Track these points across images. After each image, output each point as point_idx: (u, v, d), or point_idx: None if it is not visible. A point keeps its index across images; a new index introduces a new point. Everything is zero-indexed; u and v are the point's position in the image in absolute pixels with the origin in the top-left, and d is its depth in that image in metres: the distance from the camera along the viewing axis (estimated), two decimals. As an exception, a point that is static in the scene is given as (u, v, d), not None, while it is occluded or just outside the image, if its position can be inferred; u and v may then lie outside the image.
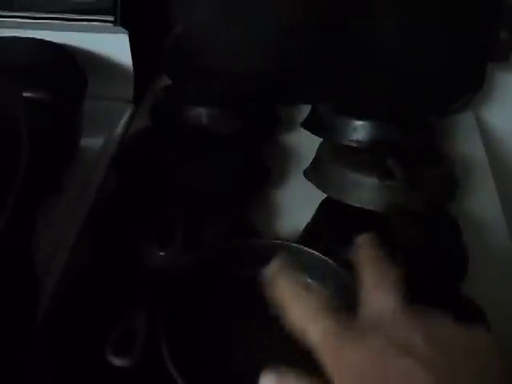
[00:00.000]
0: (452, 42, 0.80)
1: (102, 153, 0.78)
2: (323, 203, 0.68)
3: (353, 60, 0.82)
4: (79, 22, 0.80)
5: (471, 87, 0.83)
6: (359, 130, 0.72)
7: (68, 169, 0.73)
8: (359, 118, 0.72)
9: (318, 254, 0.57)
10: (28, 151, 0.47)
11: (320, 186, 0.69)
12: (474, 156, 0.80)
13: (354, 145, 0.72)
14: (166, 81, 0.87)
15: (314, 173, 0.72)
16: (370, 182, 0.66)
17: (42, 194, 0.67)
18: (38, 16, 0.80)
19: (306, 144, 0.77)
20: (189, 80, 0.83)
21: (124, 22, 0.80)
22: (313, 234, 0.65)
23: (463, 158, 0.77)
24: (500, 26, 0.78)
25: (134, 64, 0.83)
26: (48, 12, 0.80)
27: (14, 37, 0.80)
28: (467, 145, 0.81)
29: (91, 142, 0.78)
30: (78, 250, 0.63)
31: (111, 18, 0.79)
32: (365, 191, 0.66)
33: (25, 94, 0.76)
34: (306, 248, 0.58)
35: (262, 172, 0.73)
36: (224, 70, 0.83)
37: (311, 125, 0.77)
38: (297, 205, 0.71)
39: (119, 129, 0.82)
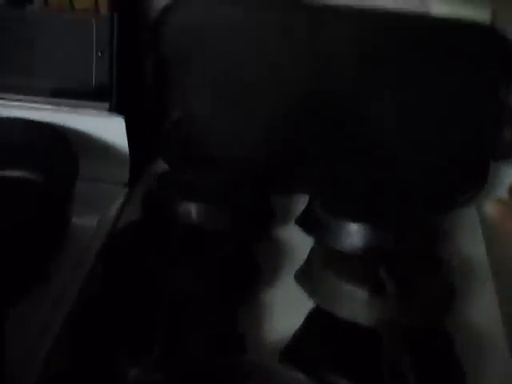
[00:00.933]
0: (454, 138, 0.79)
1: (93, 236, 0.76)
2: (313, 312, 0.66)
3: (350, 152, 0.80)
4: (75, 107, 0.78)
5: (473, 185, 0.81)
6: (353, 235, 0.70)
7: (56, 255, 0.71)
8: (353, 221, 0.70)
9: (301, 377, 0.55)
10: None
11: (310, 293, 0.68)
12: (474, 258, 0.77)
13: (347, 250, 0.69)
14: (163, 165, 0.85)
15: (305, 278, 0.70)
16: (360, 294, 0.64)
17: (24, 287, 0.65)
18: (33, 99, 0.79)
19: (300, 241, 0.75)
20: (183, 169, 0.82)
21: (120, 107, 0.79)
22: (298, 348, 0.62)
23: (462, 260, 0.75)
24: (504, 125, 0.75)
25: (130, 148, 0.82)
26: (45, 95, 0.78)
27: (8, 117, 0.80)
28: (467, 245, 0.78)
29: (84, 223, 0.77)
30: (53, 356, 0.61)
31: (106, 105, 0.77)
32: (355, 304, 0.64)
33: (15, 174, 0.77)
34: (288, 371, 0.55)
35: (254, 271, 0.71)
36: (220, 158, 0.82)
37: (305, 223, 0.75)
38: (288, 306, 0.68)
39: (112, 212, 0.80)
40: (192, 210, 0.72)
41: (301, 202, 0.81)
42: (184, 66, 0.80)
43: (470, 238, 0.80)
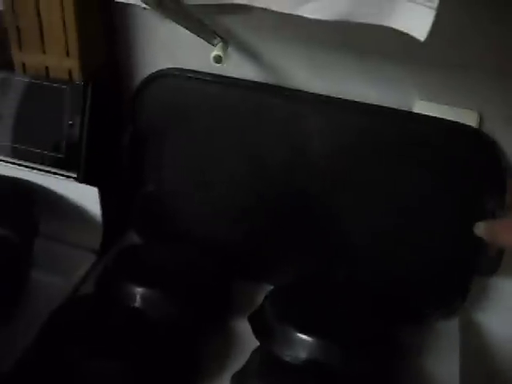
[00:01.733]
0: (433, 246, 0.72)
1: (50, 299, 0.74)
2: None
3: (321, 249, 0.75)
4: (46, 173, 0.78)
5: (450, 299, 0.73)
6: (296, 345, 0.65)
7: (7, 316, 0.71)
8: (298, 329, 0.65)
9: None
10: None
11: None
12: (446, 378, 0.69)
13: (287, 359, 0.64)
14: (134, 237, 0.84)
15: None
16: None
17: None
18: (5, 160, 0.80)
19: (249, 340, 0.70)
20: (145, 246, 0.79)
21: (93, 176, 0.77)
22: None
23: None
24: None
25: (103, 216, 0.81)
26: (17, 157, 0.79)
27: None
28: (439, 365, 0.71)
29: (47, 283, 0.77)
30: None
31: (74, 175, 0.76)
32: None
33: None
34: None
35: (191, 372, 0.67)
36: (190, 236, 0.78)
37: (254, 323, 0.70)
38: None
39: (77, 277, 0.79)
40: (137, 294, 0.69)
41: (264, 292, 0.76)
42: (161, 140, 0.77)
43: (444, 355, 0.72)
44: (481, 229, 0.62)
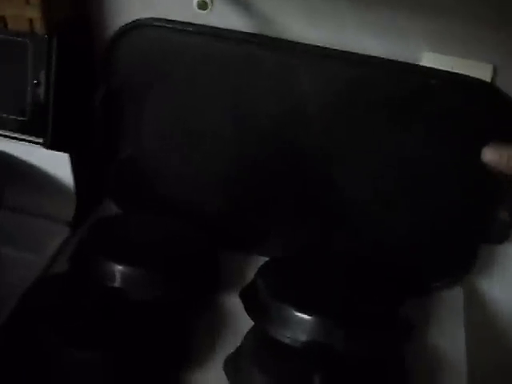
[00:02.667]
0: (439, 213, 0.66)
1: (21, 278, 0.67)
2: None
3: (316, 219, 0.69)
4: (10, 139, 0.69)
5: (459, 267, 0.67)
6: (296, 325, 0.59)
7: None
8: (297, 308, 0.59)
9: None
10: None
11: (232, 384, 0.57)
12: (451, 359, 0.65)
13: (286, 341, 0.58)
14: (111, 207, 0.76)
15: (233, 368, 0.60)
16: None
17: None
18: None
19: (241, 319, 0.64)
20: (122, 216, 0.72)
21: (60, 143, 0.69)
22: None
23: (436, 361, 0.64)
24: (499, 206, 0.62)
25: (76, 186, 0.73)
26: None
27: None
28: (445, 338, 0.65)
29: (17, 258, 0.70)
30: None
31: (41, 140, 0.68)
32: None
33: None
34: None
35: (179, 355, 0.61)
36: (171, 202, 0.71)
37: (247, 300, 0.64)
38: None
39: (49, 252, 0.72)
40: (116, 272, 0.62)
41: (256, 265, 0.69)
42: (138, 99, 0.69)
43: (449, 328, 0.67)
44: (488, 154, 0.56)
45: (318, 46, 0.64)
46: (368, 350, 0.59)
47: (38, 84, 0.67)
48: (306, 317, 0.59)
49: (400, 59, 0.63)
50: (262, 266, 0.66)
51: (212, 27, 0.65)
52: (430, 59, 0.63)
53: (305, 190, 0.69)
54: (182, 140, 0.71)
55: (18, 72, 0.67)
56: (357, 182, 0.67)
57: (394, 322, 0.62)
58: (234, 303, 0.67)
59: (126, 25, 0.67)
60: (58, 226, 0.76)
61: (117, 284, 0.63)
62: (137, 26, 0.66)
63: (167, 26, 0.66)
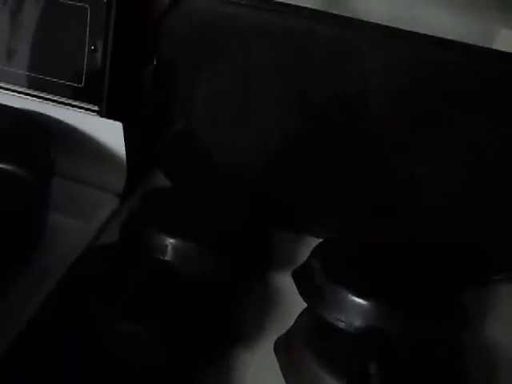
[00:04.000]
0: (506, 204, 0.62)
1: (70, 246, 0.67)
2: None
3: (376, 201, 0.66)
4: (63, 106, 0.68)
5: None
6: (351, 309, 0.57)
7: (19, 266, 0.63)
8: (356, 293, 0.57)
9: None
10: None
11: (283, 371, 0.57)
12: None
13: (341, 326, 0.56)
14: (162, 178, 0.75)
15: (283, 351, 0.58)
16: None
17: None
18: (19, 90, 0.70)
19: (292, 300, 0.62)
20: (175, 189, 0.71)
21: (114, 111, 0.68)
22: None
23: (493, 348, 0.62)
24: None
25: (127, 156, 0.72)
26: (29, 86, 0.70)
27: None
28: (503, 327, 0.64)
29: (65, 230, 0.69)
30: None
31: (96, 108, 0.67)
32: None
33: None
34: None
35: (231, 334, 0.60)
36: (222, 178, 0.69)
37: (300, 281, 0.62)
38: (265, 377, 0.57)
39: (97, 223, 0.71)
40: (168, 245, 0.61)
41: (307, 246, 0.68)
42: (190, 72, 0.67)
43: (508, 321, 0.64)
44: None
45: (383, 25, 0.60)
46: (426, 338, 0.56)
47: (95, 50, 0.65)
48: (363, 301, 0.57)
49: (473, 39, 0.59)
50: (316, 246, 0.64)
51: (267, 0, 0.62)
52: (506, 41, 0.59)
53: (364, 173, 0.66)
54: (234, 115, 0.68)
55: (75, 37, 0.66)
56: (420, 170, 0.64)
57: (453, 310, 0.59)
58: (284, 283, 0.65)
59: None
60: (108, 195, 0.75)
61: (168, 257, 0.61)
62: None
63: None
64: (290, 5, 0.62)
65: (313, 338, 0.57)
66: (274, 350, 0.58)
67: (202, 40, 0.66)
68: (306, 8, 0.62)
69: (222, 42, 0.65)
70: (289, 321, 0.61)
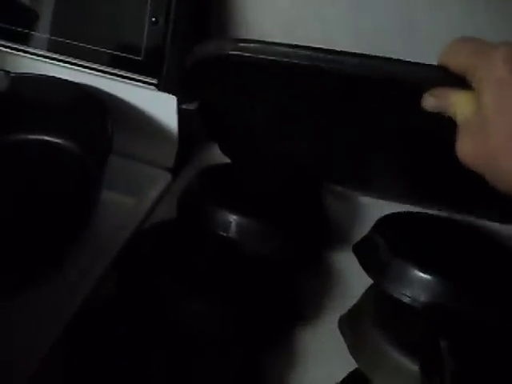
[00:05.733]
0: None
1: (122, 224, 0.67)
2: (352, 374, 0.55)
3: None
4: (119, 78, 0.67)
5: None
6: (418, 285, 0.56)
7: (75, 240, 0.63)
8: (420, 268, 0.56)
9: None
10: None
11: (350, 349, 0.56)
12: None
13: (407, 301, 0.56)
14: (212, 153, 0.74)
15: (349, 328, 0.58)
16: (407, 368, 0.52)
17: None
18: (75, 62, 0.69)
19: (355, 274, 0.62)
20: (232, 166, 0.69)
21: (171, 86, 0.67)
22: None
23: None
24: None
25: (179, 130, 0.71)
26: (87, 59, 0.69)
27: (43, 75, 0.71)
28: None
29: (116, 204, 0.69)
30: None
31: (154, 81, 0.66)
32: (399, 378, 0.52)
33: (46, 138, 0.67)
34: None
35: (294, 312, 0.60)
36: (280, 154, 0.68)
37: (363, 255, 0.61)
38: (326, 358, 0.58)
39: (149, 199, 0.71)
40: (232, 222, 0.60)
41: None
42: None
43: None
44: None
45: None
46: (493, 316, 0.56)
47: (156, 22, 0.64)
48: (429, 276, 0.56)
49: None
50: (377, 221, 0.64)
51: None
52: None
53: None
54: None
55: (136, 9, 0.65)
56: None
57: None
58: (344, 258, 0.65)
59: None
60: (159, 170, 0.74)
61: (231, 234, 0.61)
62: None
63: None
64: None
65: (379, 314, 0.57)
66: (339, 326, 0.58)
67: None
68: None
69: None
70: (349, 299, 0.61)
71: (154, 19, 0.64)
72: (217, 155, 0.73)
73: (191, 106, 0.68)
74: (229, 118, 0.67)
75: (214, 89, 0.60)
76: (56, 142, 0.66)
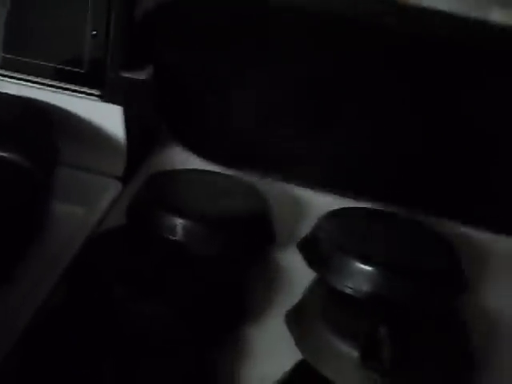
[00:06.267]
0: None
1: (72, 234, 0.68)
2: (301, 363, 0.56)
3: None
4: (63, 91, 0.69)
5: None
6: (359, 276, 0.59)
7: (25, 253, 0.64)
8: (362, 261, 0.59)
9: None
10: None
11: (296, 341, 0.58)
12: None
13: (349, 292, 0.59)
14: (162, 160, 0.75)
15: (295, 322, 0.60)
16: (348, 354, 0.54)
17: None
18: (18, 76, 0.70)
19: (300, 270, 0.64)
20: (176, 176, 0.72)
21: (113, 95, 0.69)
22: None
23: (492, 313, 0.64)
24: None
25: (128, 139, 0.73)
26: (29, 73, 0.70)
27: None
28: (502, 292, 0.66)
29: (65, 215, 0.69)
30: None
31: (98, 92, 0.68)
32: (342, 363, 0.54)
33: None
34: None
35: (240, 309, 0.61)
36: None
37: (307, 251, 0.64)
38: (274, 351, 0.59)
39: (99, 208, 0.72)
40: (178, 225, 0.62)
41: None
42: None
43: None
44: None
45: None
46: (426, 302, 0.59)
47: (95, 35, 0.66)
48: (369, 267, 0.59)
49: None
50: (319, 219, 0.66)
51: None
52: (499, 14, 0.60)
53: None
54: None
55: (76, 23, 0.66)
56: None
57: (454, 276, 0.62)
58: (290, 255, 0.67)
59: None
60: (109, 180, 0.75)
61: (177, 237, 0.63)
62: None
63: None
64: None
65: (323, 307, 0.59)
66: (286, 321, 0.60)
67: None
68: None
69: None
70: (294, 295, 0.62)
71: (94, 32, 0.66)
72: (167, 161, 0.75)
73: (141, 76, 0.68)
74: (194, 92, 0.66)
75: (172, 47, 0.57)
76: (1, 156, 0.67)
